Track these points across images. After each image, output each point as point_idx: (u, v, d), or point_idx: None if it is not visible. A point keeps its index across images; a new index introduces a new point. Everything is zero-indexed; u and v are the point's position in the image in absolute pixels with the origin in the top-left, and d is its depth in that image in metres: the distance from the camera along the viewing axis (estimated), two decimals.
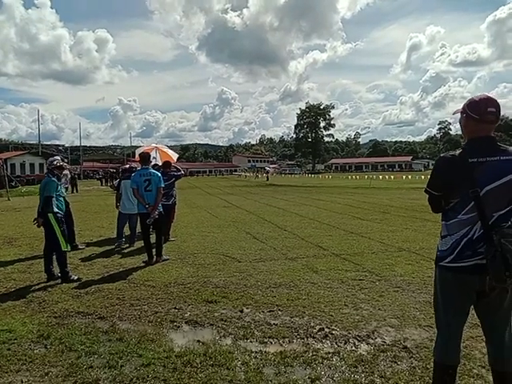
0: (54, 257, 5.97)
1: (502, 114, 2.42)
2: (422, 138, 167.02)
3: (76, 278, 5.83)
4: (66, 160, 10.16)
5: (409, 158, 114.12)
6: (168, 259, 6.91)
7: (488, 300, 2.35)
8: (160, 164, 9.31)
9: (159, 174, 6.89)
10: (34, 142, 76.72)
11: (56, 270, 5.91)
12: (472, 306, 2.47)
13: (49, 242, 5.95)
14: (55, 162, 6.13)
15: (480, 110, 2.29)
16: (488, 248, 2.23)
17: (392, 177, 42.84)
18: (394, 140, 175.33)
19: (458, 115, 2.46)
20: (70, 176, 8.71)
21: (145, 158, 7.00)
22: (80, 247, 8.07)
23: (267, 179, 49.58)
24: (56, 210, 5.87)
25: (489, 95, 2.32)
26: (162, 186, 6.81)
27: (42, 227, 5.95)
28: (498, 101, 2.30)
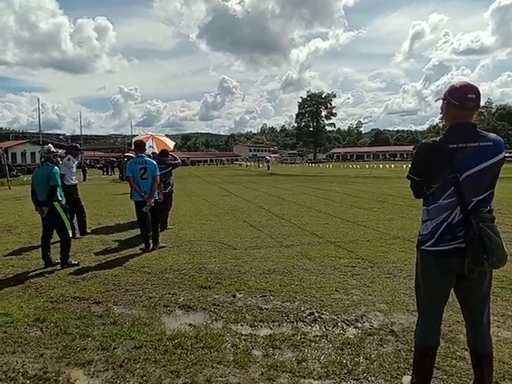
0: (52, 244, 6.08)
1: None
2: (425, 127, 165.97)
3: (76, 262, 5.96)
4: (79, 147, 9.99)
5: (411, 148, 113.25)
6: (165, 247, 6.99)
7: (467, 283, 2.42)
8: (157, 152, 9.34)
9: (154, 162, 6.93)
10: (35, 131, 76.83)
11: (53, 256, 6.01)
12: (452, 290, 2.53)
13: (49, 229, 6.04)
14: (53, 149, 6.17)
15: (460, 97, 2.32)
16: (467, 232, 2.29)
17: (393, 166, 42.78)
18: (396, 129, 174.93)
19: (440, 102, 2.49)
20: (76, 162, 8.78)
21: (140, 145, 7.04)
22: (78, 236, 8.12)
23: (268, 168, 49.58)
24: (60, 198, 5.97)
25: (469, 82, 2.36)
26: (158, 174, 6.86)
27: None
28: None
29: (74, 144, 10.10)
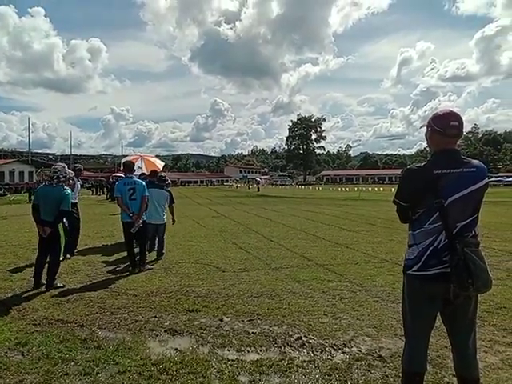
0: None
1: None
2: (413, 151, 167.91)
3: (61, 285, 5.84)
4: (81, 167, 10.01)
5: (399, 171, 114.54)
6: (151, 268, 6.91)
7: (453, 308, 2.43)
8: (146, 173, 9.33)
9: (143, 183, 6.92)
10: (24, 150, 76.31)
11: (43, 277, 5.89)
12: (439, 314, 2.53)
13: (47, 249, 5.91)
14: (69, 173, 6.03)
15: (444, 124, 2.38)
16: (452, 257, 2.31)
17: (381, 189, 43.19)
18: (384, 153, 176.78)
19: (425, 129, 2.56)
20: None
21: (128, 166, 7.03)
22: (67, 257, 8.00)
23: (258, 190, 49.67)
24: (64, 220, 5.90)
25: (452, 110, 2.42)
26: (147, 194, 6.84)
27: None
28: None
29: (76, 165, 10.18)
